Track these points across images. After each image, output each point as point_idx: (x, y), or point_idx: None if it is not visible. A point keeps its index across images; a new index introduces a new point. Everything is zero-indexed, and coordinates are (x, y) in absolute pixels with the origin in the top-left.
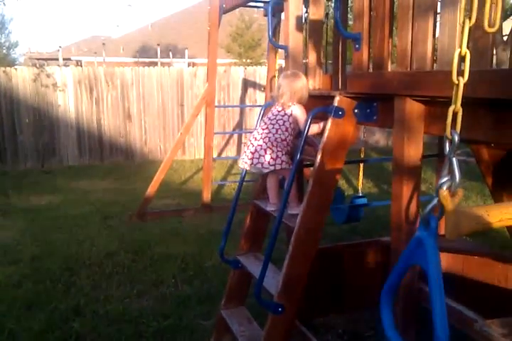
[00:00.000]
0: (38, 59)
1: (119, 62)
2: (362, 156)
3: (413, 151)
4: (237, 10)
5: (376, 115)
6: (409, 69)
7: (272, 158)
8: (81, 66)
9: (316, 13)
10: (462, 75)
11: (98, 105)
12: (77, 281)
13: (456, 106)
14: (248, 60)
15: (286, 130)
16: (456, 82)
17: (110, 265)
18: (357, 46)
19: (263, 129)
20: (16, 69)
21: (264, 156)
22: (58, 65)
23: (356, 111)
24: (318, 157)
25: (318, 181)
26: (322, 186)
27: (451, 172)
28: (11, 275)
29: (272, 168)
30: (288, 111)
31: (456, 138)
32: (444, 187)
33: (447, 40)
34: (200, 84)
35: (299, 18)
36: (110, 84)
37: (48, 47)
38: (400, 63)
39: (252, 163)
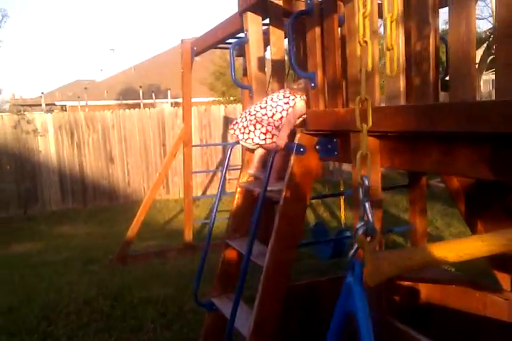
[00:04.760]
0: (22, 105)
1: (103, 105)
2: (342, 188)
3: (371, 185)
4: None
5: (337, 150)
6: (361, 105)
7: (261, 132)
8: (65, 110)
9: (277, 53)
10: (366, 122)
11: (80, 149)
12: (54, 331)
13: (363, 151)
14: (232, 98)
15: (281, 119)
16: (360, 128)
17: (88, 312)
18: (312, 85)
19: (261, 108)
20: None
21: (253, 132)
22: (42, 111)
23: (318, 147)
24: (283, 193)
25: (285, 217)
26: (289, 222)
27: (366, 217)
28: None
29: (262, 142)
30: (291, 103)
31: (366, 183)
32: (360, 232)
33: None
34: (182, 124)
35: (260, 59)
36: (91, 127)
37: (32, 92)
38: (352, 99)
39: (243, 138)
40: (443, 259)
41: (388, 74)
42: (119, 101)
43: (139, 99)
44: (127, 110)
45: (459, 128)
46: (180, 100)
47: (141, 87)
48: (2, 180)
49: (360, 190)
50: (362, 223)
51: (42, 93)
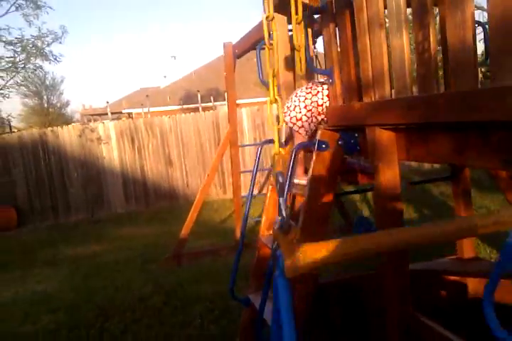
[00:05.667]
0: (92, 115)
1: (167, 110)
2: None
3: (390, 178)
4: None
5: (359, 145)
6: (373, 99)
7: (296, 117)
8: (132, 118)
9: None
10: (278, 121)
11: (140, 153)
12: (110, 326)
13: (275, 150)
14: None
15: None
16: (273, 127)
17: (142, 309)
18: (330, 80)
19: (307, 91)
20: (62, 127)
21: (302, 122)
22: (109, 120)
23: (340, 142)
24: (307, 191)
25: (310, 215)
26: (314, 220)
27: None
28: (49, 323)
29: (300, 131)
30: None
31: (280, 179)
32: (276, 226)
33: (399, 65)
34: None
35: (287, 58)
36: (150, 133)
37: (101, 102)
38: (365, 94)
39: (289, 120)
40: (364, 251)
41: (298, 73)
42: (180, 106)
43: (202, 103)
44: (183, 114)
45: (455, 117)
46: (239, 101)
47: (198, 91)
48: (70, 186)
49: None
50: (280, 217)
51: (107, 102)
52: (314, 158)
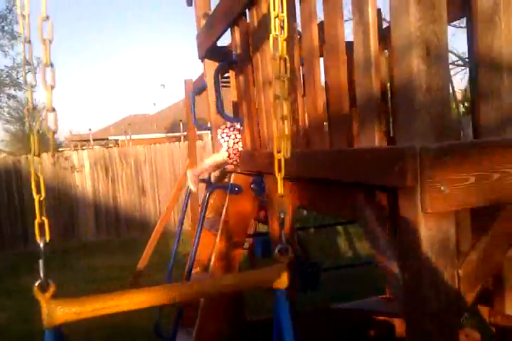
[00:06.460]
0: (79, 141)
1: (152, 138)
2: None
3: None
4: None
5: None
6: (268, 149)
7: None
8: (118, 145)
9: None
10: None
11: (114, 183)
12: None
13: (41, 207)
14: None
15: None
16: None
17: None
18: (241, 128)
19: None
20: None
21: (228, 142)
22: (91, 146)
23: (253, 186)
24: (219, 233)
25: (221, 255)
26: (225, 260)
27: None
28: None
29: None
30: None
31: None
32: (36, 284)
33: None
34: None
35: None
36: (124, 162)
37: (89, 128)
38: (263, 144)
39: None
40: (116, 307)
41: None
42: (164, 135)
43: (185, 131)
44: (158, 144)
45: (306, 174)
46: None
47: (181, 120)
48: (42, 214)
49: None
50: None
51: (89, 129)
52: (227, 201)
